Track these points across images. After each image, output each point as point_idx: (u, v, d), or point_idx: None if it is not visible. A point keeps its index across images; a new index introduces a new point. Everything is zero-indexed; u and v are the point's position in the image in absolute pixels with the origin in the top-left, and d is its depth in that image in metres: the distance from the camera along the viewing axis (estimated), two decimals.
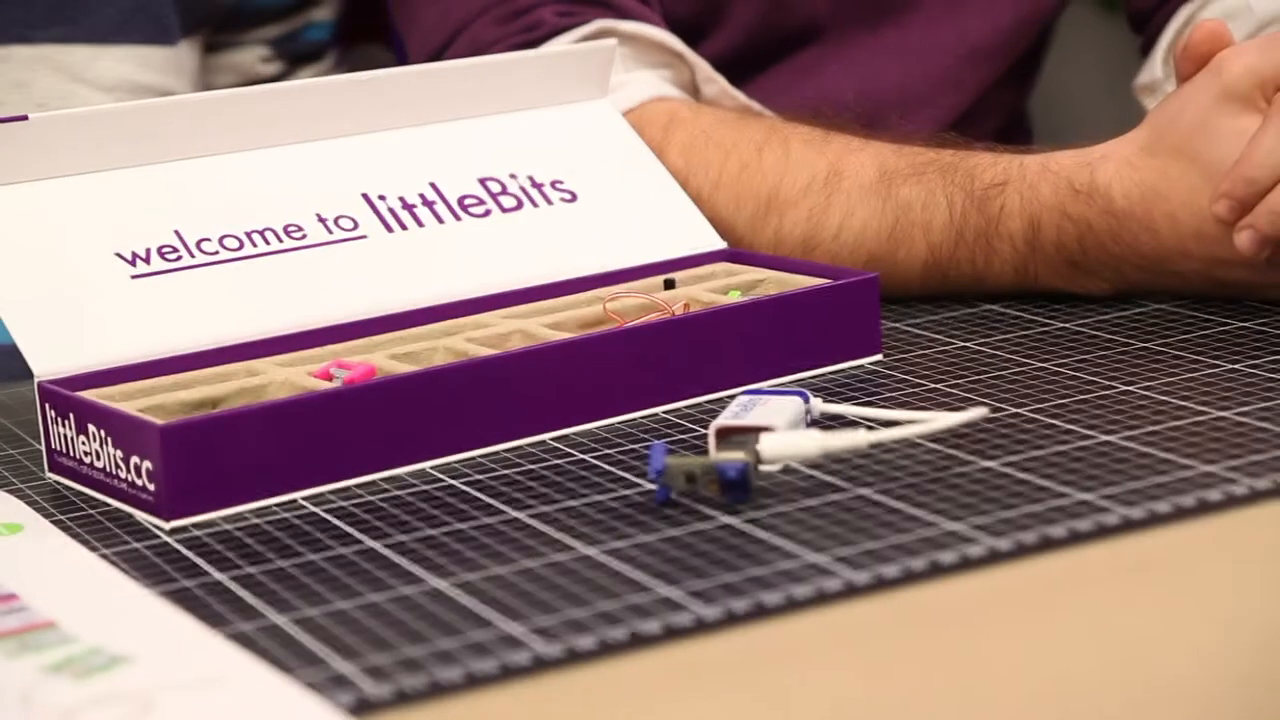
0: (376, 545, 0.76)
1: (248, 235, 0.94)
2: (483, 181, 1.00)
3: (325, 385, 0.85)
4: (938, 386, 0.89)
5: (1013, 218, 0.99)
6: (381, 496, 0.81)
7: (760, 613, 0.67)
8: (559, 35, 1.12)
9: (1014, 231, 0.99)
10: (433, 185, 0.99)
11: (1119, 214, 0.96)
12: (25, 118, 0.90)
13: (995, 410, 0.85)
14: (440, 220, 0.98)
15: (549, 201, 1.01)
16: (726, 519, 0.75)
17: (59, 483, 0.86)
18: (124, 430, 0.81)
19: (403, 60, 1.34)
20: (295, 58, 1.30)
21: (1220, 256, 0.94)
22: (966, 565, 0.69)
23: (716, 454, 0.78)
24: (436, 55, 1.16)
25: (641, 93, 1.11)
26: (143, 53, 1.21)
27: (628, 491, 0.79)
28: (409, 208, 0.98)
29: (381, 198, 0.97)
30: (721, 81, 1.15)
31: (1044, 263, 0.99)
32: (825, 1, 1.23)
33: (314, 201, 0.96)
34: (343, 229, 0.96)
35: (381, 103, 0.99)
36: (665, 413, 0.89)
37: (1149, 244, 0.96)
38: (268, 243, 0.94)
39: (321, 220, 0.96)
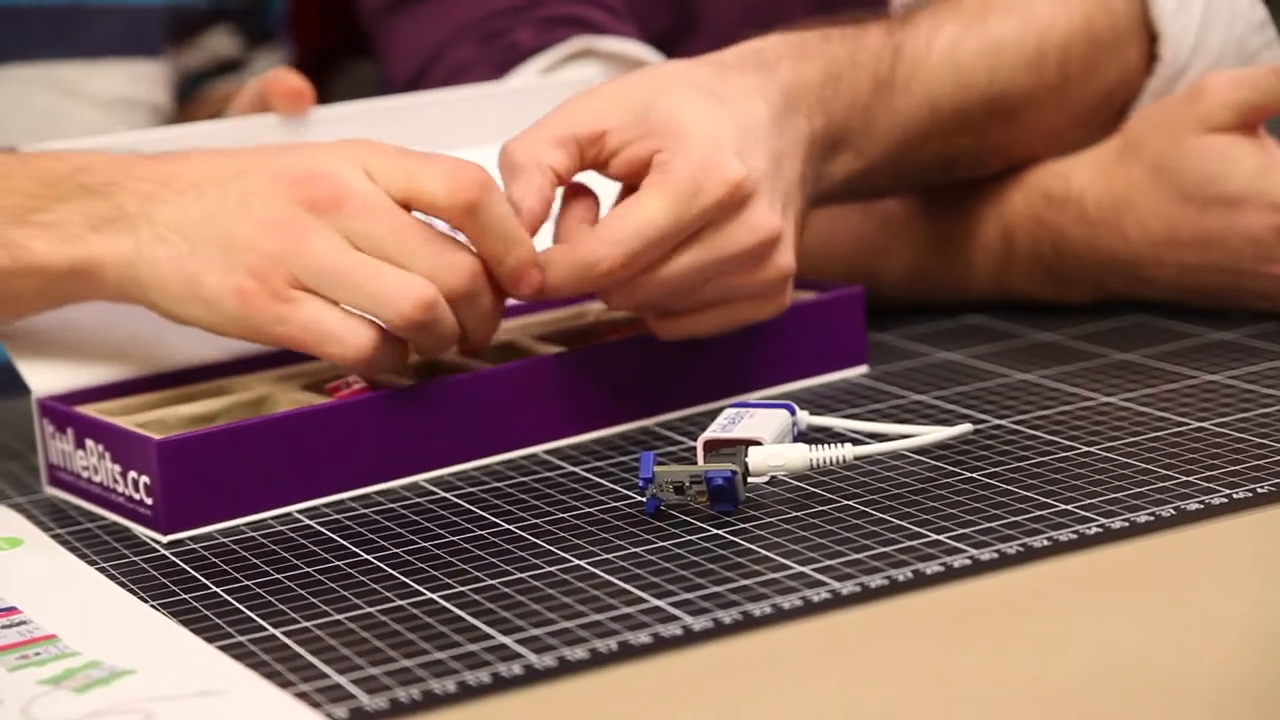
0: (371, 558, 0.77)
1: None
2: None
3: (322, 400, 0.86)
4: (922, 398, 0.90)
5: (988, 226, 1.00)
6: (375, 510, 0.82)
7: (747, 623, 0.68)
8: (537, 55, 1.13)
9: (990, 240, 1.01)
10: None
11: (1092, 222, 0.98)
12: (14, 150, 0.91)
13: (978, 422, 0.86)
14: None
15: None
16: (714, 530, 0.77)
17: (57, 497, 0.87)
18: (122, 445, 0.82)
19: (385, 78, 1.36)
20: (255, 37, 1.32)
21: (1191, 263, 0.96)
22: (950, 575, 0.71)
23: (704, 464, 0.79)
24: (415, 77, 1.16)
25: None
26: (132, 67, 1.22)
27: (617, 503, 0.81)
28: None
29: None
30: None
31: (1021, 271, 1.01)
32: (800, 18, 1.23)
33: None
34: None
35: (371, 133, 1.00)
36: (654, 425, 0.90)
37: (1122, 251, 0.97)
38: None
39: None
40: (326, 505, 0.83)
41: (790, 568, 0.72)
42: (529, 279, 0.84)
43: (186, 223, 0.82)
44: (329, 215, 0.81)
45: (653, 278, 0.85)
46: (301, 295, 0.81)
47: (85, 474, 0.85)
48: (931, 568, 0.71)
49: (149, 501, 0.81)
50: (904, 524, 0.76)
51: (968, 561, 0.72)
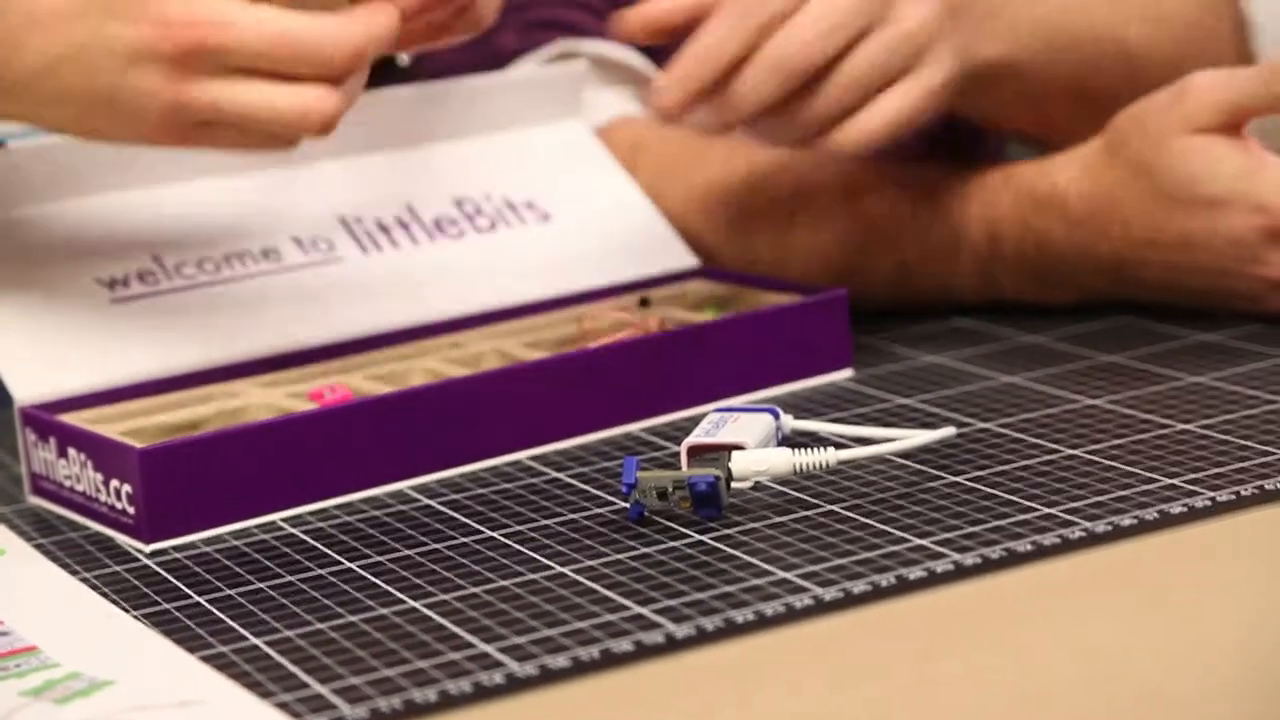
0: (354, 566, 0.77)
1: (225, 259, 0.95)
2: (458, 203, 1.01)
3: (306, 406, 0.86)
4: (907, 401, 0.90)
5: (974, 227, 1.00)
6: (359, 517, 0.82)
7: (730, 630, 0.68)
8: (520, 58, 1.13)
9: (976, 242, 1.00)
10: (408, 207, 1.00)
11: (1076, 221, 0.97)
12: (2, 144, 0.91)
13: (962, 425, 0.86)
14: (415, 242, 0.99)
15: (524, 222, 1.02)
16: (698, 536, 0.76)
17: (40, 507, 0.87)
18: (104, 454, 0.82)
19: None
20: None
21: (1175, 264, 0.95)
22: (933, 580, 0.71)
23: (688, 469, 0.79)
24: None
25: (606, 112, 1.12)
26: None
27: (601, 510, 0.80)
28: (385, 230, 0.99)
29: (358, 220, 0.99)
30: None
31: (1007, 273, 1.01)
32: None
33: (290, 225, 0.97)
34: (319, 251, 0.97)
35: (356, 127, 1.00)
36: (639, 430, 0.90)
37: (1106, 251, 0.97)
38: (245, 266, 0.95)
39: (298, 243, 0.97)
40: (309, 513, 0.83)
41: (773, 574, 0.72)
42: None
43: (63, 91, 0.83)
44: (201, 57, 0.81)
45: (786, 32, 0.89)
46: (210, 131, 0.84)
47: (68, 483, 0.85)
48: (915, 573, 0.71)
49: (131, 511, 0.81)
50: (887, 529, 0.75)
51: (951, 566, 0.71)
